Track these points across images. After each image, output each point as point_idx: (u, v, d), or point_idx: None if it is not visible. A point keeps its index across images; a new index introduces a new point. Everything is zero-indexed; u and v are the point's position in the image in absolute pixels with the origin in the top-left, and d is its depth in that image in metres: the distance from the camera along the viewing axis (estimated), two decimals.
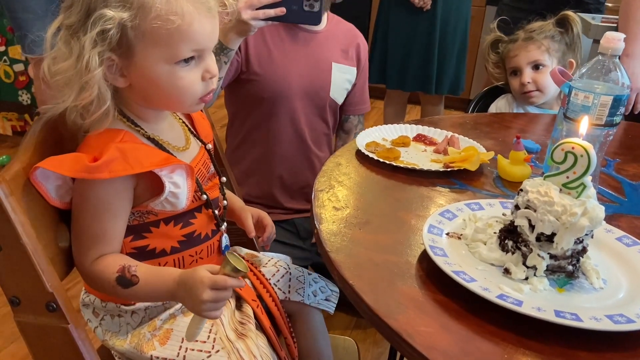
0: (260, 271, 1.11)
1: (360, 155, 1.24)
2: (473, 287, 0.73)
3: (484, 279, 0.78)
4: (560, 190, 0.79)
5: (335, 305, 1.21)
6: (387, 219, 0.99)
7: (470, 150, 1.25)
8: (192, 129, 1.03)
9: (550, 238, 0.78)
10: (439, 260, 0.78)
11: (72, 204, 0.87)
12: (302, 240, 1.87)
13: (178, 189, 0.88)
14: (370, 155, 1.22)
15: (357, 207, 1.02)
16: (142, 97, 0.88)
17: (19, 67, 3.04)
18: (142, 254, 0.93)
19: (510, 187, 1.17)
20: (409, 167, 1.17)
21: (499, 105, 1.84)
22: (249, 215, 1.18)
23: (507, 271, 0.80)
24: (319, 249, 0.91)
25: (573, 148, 0.76)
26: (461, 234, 0.89)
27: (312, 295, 1.16)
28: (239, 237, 1.25)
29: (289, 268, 1.17)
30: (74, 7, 0.82)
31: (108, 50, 0.80)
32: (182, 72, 0.85)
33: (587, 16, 2.76)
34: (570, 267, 0.80)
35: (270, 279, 1.12)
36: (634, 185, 1.22)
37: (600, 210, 0.77)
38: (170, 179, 0.87)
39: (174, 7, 0.81)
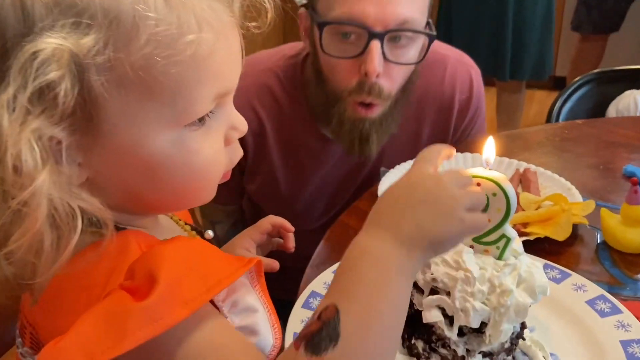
0: None
1: None
2: None
3: None
4: (473, 248, 0.55)
5: None
6: None
7: (556, 200, 0.81)
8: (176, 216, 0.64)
9: (478, 329, 0.57)
10: None
11: None
12: None
13: (255, 314, 0.49)
14: None
15: None
16: (118, 195, 0.48)
17: None
18: None
19: (624, 264, 0.74)
20: None
21: (621, 107, 1.32)
22: (248, 253, 0.74)
23: None
24: None
25: (479, 185, 0.52)
26: None
27: None
28: None
29: None
30: None
31: (52, 124, 0.40)
32: (196, 138, 0.46)
33: None
34: (509, 359, 0.61)
35: None
36: None
37: (539, 272, 0.57)
38: (235, 306, 0.48)
39: (184, 16, 0.42)
